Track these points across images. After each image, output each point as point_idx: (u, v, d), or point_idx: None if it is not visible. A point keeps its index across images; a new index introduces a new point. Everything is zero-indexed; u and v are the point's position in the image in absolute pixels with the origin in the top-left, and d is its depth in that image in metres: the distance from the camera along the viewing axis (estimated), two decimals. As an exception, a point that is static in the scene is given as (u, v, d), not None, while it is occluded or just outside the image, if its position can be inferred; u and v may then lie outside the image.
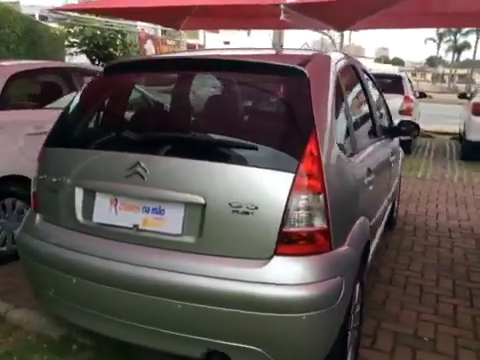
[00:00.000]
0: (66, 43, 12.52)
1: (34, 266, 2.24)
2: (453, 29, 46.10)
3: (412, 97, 9.25)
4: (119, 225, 2.03)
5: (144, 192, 1.97)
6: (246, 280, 1.80)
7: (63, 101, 4.45)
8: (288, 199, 1.80)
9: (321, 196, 1.84)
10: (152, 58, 2.61)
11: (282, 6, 8.16)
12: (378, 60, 66.43)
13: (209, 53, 2.52)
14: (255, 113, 2.19)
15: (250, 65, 2.15)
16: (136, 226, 1.99)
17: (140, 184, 1.96)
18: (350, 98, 2.57)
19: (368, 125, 2.94)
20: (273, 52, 2.62)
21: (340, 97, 2.30)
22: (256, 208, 1.81)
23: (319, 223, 1.85)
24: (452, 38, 50.75)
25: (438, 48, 56.59)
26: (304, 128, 1.90)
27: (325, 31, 11.07)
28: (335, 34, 11.63)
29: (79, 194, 2.12)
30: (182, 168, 1.93)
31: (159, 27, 14.92)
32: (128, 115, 2.43)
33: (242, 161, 1.87)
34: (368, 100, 3.05)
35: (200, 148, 1.95)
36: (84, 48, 12.49)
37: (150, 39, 16.80)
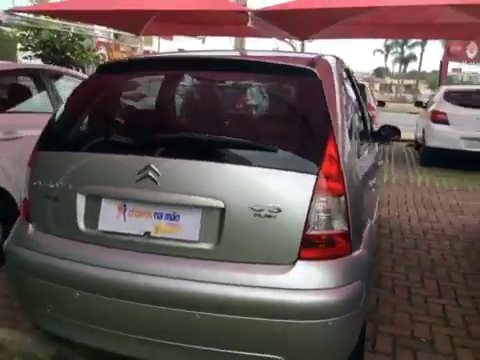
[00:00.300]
0: (20, 46, 11.94)
1: (26, 280, 2.06)
2: (400, 41, 48.33)
3: (374, 105, 9.54)
4: (128, 233, 1.91)
5: (157, 197, 1.86)
6: (269, 287, 1.74)
7: (34, 104, 4.25)
8: (311, 201, 1.76)
9: (342, 198, 1.81)
10: (157, 57, 2.50)
11: (250, 13, 8.24)
12: (329, 70, 68.23)
13: (211, 53, 2.43)
14: (271, 114, 2.13)
15: (261, 65, 2.10)
16: (147, 233, 1.88)
17: (152, 189, 1.85)
18: (350, 100, 2.58)
19: (362, 128, 2.97)
20: (272, 54, 2.57)
21: (345, 99, 2.29)
22: (279, 211, 1.75)
23: (340, 226, 1.82)
24: (399, 50, 53.16)
25: (385, 59, 59.08)
26: (322, 129, 1.86)
27: (287, 40, 11.26)
28: (297, 43, 11.83)
29: (81, 201, 1.97)
30: (199, 171, 1.84)
31: (112, 31, 14.60)
32: (134, 116, 2.31)
33: (262, 163, 1.81)
34: (360, 103, 3.09)
35: (218, 150, 1.87)
36: (40, 52, 11.95)
37: (102, 45, 16.40)
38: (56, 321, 2.05)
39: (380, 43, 52.93)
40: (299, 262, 1.76)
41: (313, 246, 1.78)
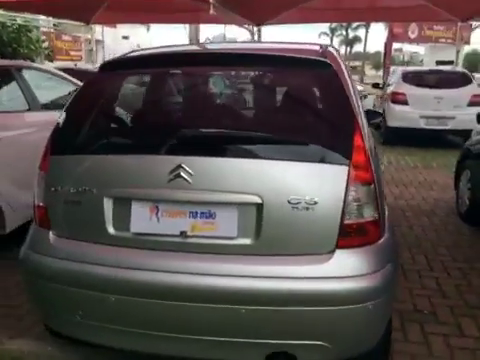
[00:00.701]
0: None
1: (51, 288, 2.00)
2: (344, 24, 49.35)
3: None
4: (163, 233, 1.89)
5: (191, 197, 1.84)
6: (311, 277, 1.79)
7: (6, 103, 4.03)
8: (346, 191, 1.81)
9: (372, 186, 1.88)
10: (173, 52, 2.40)
11: (212, 0, 8.16)
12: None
13: (221, 47, 2.40)
14: (296, 107, 2.14)
15: (278, 59, 2.10)
16: (183, 233, 1.86)
17: (185, 188, 1.83)
18: (356, 89, 2.64)
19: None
20: (279, 46, 2.56)
21: (354, 88, 2.35)
22: (315, 203, 1.79)
23: (372, 213, 1.88)
24: (344, 32, 54.27)
25: (331, 42, 60.14)
26: (347, 120, 1.91)
27: (246, 26, 11.24)
28: (254, 29, 11.83)
29: (108, 204, 1.92)
30: (232, 168, 1.84)
31: (51, 20, 13.98)
32: (157, 114, 2.24)
33: (295, 156, 1.84)
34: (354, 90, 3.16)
35: (250, 146, 1.87)
36: (-16, 45, 11.23)
37: (44, 35, 15.61)
38: (87, 327, 2.00)
39: (325, 26, 53.76)
40: (337, 251, 1.82)
41: (349, 235, 1.83)
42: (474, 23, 11.13)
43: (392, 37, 30.35)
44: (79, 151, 2.03)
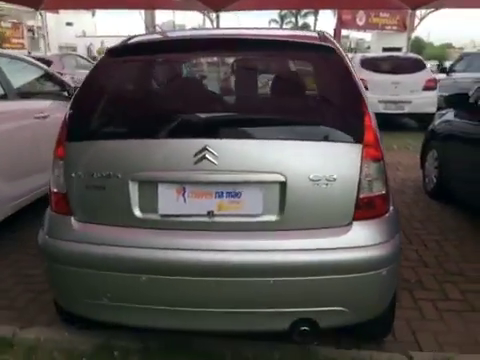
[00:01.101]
0: None
1: (77, 273, 2.02)
2: (294, 11, 49.83)
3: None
4: (190, 214, 1.96)
5: (217, 177, 1.92)
6: (333, 247, 1.93)
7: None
8: (360, 168, 1.96)
9: (381, 163, 2.04)
10: (187, 37, 2.42)
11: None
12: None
13: (229, 32, 2.44)
14: (311, 90, 2.26)
15: (289, 44, 2.21)
16: (210, 212, 1.95)
17: (211, 170, 1.91)
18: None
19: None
20: (284, 32, 2.63)
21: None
22: (335, 179, 1.93)
23: (381, 187, 2.04)
24: (293, 20, 54.83)
25: (281, 28, 60.57)
26: (357, 101, 2.06)
27: (205, 12, 11.24)
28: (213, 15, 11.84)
29: (134, 187, 1.97)
30: (256, 149, 1.94)
31: None
32: (177, 98, 2.26)
33: (315, 137, 1.96)
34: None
35: (272, 127, 1.98)
36: None
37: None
38: (115, 309, 2.05)
39: (275, 13, 54.02)
40: (354, 223, 1.97)
41: (364, 207, 1.99)
42: (424, 11, 11.69)
43: (341, 24, 31.14)
44: (100, 137, 2.05)
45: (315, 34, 2.52)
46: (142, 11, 14.58)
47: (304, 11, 49.16)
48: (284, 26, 58.42)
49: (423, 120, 8.84)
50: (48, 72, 4.89)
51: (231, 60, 2.44)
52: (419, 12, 11.83)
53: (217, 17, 12.01)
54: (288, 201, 1.93)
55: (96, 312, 2.10)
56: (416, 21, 12.00)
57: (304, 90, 2.32)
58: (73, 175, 2.03)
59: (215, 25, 11.81)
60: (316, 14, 47.97)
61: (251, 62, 2.39)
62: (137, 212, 1.98)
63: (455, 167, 4.49)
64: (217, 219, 1.96)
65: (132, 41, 2.36)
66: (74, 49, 34.00)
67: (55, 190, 2.12)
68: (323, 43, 2.22)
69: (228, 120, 2.04)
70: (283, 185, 1.92)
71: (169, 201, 1.96)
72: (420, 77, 9.24)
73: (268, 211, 1.95)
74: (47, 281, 2.32)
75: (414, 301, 2.91)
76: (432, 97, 9.10)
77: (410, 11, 12.15)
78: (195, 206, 1.96)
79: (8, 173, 3.62)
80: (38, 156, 4.03)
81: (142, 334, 2.37)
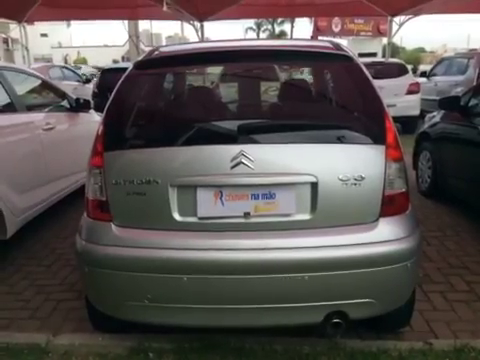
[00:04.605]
0: None
1: (118, 277, 2.10)
2: (270, 19, 50.44)
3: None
4: (228, 216, 2.07)
5: (253, 181, 2.04)
6: (363, 243, 2.06)
7: None
8: (385, 167, 2.10)
9: (402, 162, 2.19)
10: (213, 49, 2.53)
11: (166, -2, 8.23)
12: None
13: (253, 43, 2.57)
14: (336, 97, 2.40)
15: (310, 54, 2.35)
16: (247, 214, 2.06)
17: (247, 173, 2.03)
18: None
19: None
20: (294, 43, 2.78)
21: None
22: (362, 179, 2.06)
23: (403, 185, 2.19)
24: (270, 27, 55.50)
25: (258, 36, 61.19)
26: (377, 106, 2.21)
27: (191, 22, 11.38)
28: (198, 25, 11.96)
29: (173, 192, 2.07)
30: (289, 152, 2.06)
31: None
32: (211, 106, 2.37)
33: (342, 139, 2.10)
34: None
35: (304, 132, 2.11)
36: None
37: None
38: (155, 310, 2.13)
39: (251, 21, 54.49)
40: (381, 219, 2.11)
41: (389, 204, 2.13)
42: (402, 18, 12.07)
43: (317, 31, 31.70)
44: (137, 145, 2.15)
45: (329, 44, 2.67)
46: (126, 21, 14.65)
47: (280, 19, 49.85)
48: (261, 34, 58.99)
49: (407, 123, 9.17)
50: (49, 83, 4.93)
51: (256, 70, 2.56)
52: (398, 18, 12.20)
53: (201, 27, 12.19)
54: (319, 200, 2.06)
55: (137, 313, 2.18)
56: (395, 27, 12.36)
57: (327, 96, 2.47)
58: (113, 182, 2.11)
59: (200, 34, 11.98)
60: (292, 21, 48.72)
61: (275, 71, 2.52)
62: (176, 216, 2.08)
63: (448, 167, 4.70)
64: (253, 220, 2.07)
65: (158, 54, 2.47)
66: (49, 60, 33.68)
67: (93, 198, 2.19)
68: (341, 52, 2.37)
69: (261, 126, 2.16)
70: (314, 185, 2.05)
71: (207, 204, 2.07)
72: (403, 81, 9.55)
73: (301, 210, 2.07)
74: (85, 286, 2.38)
75: (424, 294, 3.06)
76: (415, 100, 9.43)
77: (389, 18, 12.51)
78: (232, 208, 2.06)
79: (19, 185, 3.65)
80: (45, 168, 4.08)
81: (175, 335, 2.46)
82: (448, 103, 4.62)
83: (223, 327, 2.22)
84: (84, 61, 44.53)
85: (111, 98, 2.32)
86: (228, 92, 2.56)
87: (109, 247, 2.11)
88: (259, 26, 57.64)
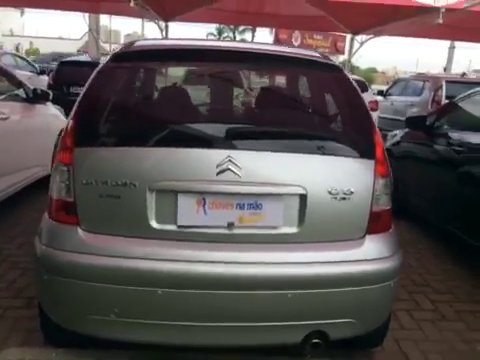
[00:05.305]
0: None
1: (84, 287, 1.89)
2: (231, 26, 50.68)
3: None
4: (210, 225, 1.92)
5: (240, 189, 1.90)
6: (350, 260, 1.98)
7: None
8: (374, 183, 2.04)
9: (389, 179, 2.14)
10: (200, 47, 2.35)
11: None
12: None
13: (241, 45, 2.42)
14: (326, 107, 2.31)
15: (297, 60, 2.25)
16: (231, 224, 1.92)
17: (234, 181, 1.89)
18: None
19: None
20: (279, 49, 2.66)
21: None
22: (352, 193, 1.99)
23: (388, 202, 2.14)
24: (231, 35, 55.71)
25: (219, 43, 61.10)
26: (366, 119, 2.16)
27: (156, 21, 11.13)
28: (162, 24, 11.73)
29: (151, 197, 1.89)
30: (279, 161, 1.95)
31: None
32: (198, 106, 2.20)
33: (334, 152, 2.01)
34: None
35: (294, 141, 2.00)
36: None
37: None
38: (122, 325, 1.93)
39: (213, 27, 54.51)
40: (368, 236, 2.04)
41: (376, 221, 2.07)
42: (364, 37, 12.40)
43: (278, 43, 32.21)
44: (114, 143, 1.95)
45: (316, 53, 2.60)
46: (86, 14, 14.08)
47: (242, 27, 50.19)
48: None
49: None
50: (4, 70, 4.57)
51: (247, 72, 2.44)
52: (359, 37, 12.53)
53: (166, 26, 11.97)
54: (308, 213, 1.96)
55: (101, 328, 1.97)
56: (356, 45, 12.67)
57: (317, 106, 2.39)
58: (84, 182, 1.91)
59: (164, 34, 11.75)
60: (254, 31, 49.16)
61: (266, 76, 2.41)
62: (154, 223, 1.90)
63: (410, 184, 4.79)
64: (237, 231, 1.93)
65: (138, 47, 2.28)
66: (0, 48, 32.06)
67: (58, 198, 1.97)
68: (332, 62, 2.29)
69: (251, 132, 2.03)
70: (303, 198, 1.95)
71: (189, 212, 1.91)
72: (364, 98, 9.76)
73: (288, 223, 1.96)
74: (40, 295, 2.14)
75: (392, 312, 3.04)
76: (374, 118, 9.66)
77: (351, 36, 12.82)
78: (215, 217, 1.92)
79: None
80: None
81: (133, 351, 2.26)
82: (415, 122, 4.71)
83: (196, 346, 2.05)
84: (36, 52, 42.67)
85: (85, 90, 2.11)
86: (214, 93, 2.42)
87: (74, 254, 1.90)
88: (220, 32, 57.80)
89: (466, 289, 3.46)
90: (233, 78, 2.47)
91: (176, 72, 2.43)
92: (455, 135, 4.23)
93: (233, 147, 1.91)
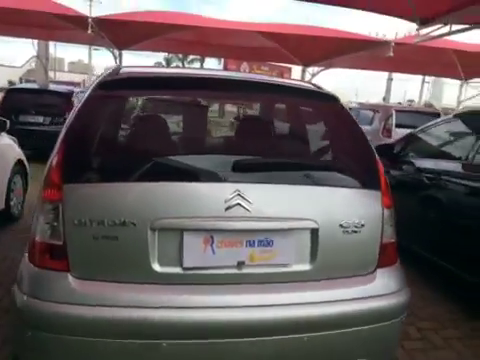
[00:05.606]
0: None
1: (75, 343, 1.66)
2: (180, 56, 51.09)
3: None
4: (219, 266, 1.76)
5: (250, 225, 1.77)
6: (364, 297, 1.89)
7: None
8: (382, 214, 1.98)
9: (392, 210, 2.09)
10: (198, 75, 2.21)
11: (89, 20, 7.79)
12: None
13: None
14: (329, 137, 2.23)
15: (295, 91, 2.19)
16: (241, 263, 1.77)
17: (244, 216, 1.76)
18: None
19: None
20: (280, 79, 2.56)
21: None
22: (363, 226, 1.91)
23: (394, 234, 2.08)
24: (180, 64, 56.05)
25: (167, 72, 61.25)
26: (369, 149, 2.11)
27: (111, 49, 10.97)
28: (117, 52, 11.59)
29: (153, 237, 1.71)
30: (289, 194, 1.84)
31: None
32: (201, 137, 2.03)
33: (343, 183, 1.94)
34: None
35: (304, 172, 1.91)
36: None
37: None
38: None
39: (161, 56, 54.64)
40: (378, 270, 1.96)
41: (385, 254, 2.00)
42: (316, 69, 12.85)
43: (228, 73, 32.69)
44: (109, 178, 1.76)
45: (310, 85, 2.55)
46: (35, 41, 13.54)
47: (191, 57, 50.68)
48: (169, 70, 59.02)
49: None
50: None
51: (248, 102, 2.34)
52: (311, 69, 12.97)
53: (120, 55, 11.83)
54: (320, 249, 1.85)
55: None
56: (308, 77, 13.07)
57: (322, 136, 2.32)
58: (76, 222, 1.70)
59: (118, 62, 11.58)
60: (202, 61, 49.73)
61: (265, 106, 2.32)
62: (156, 266, 1.72)
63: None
64: (247, 270, 1.79)
65: (127, 74, 2.12)
66: None
67: (43, 241, 1.74)
68: (330, 93, 2.25)
69: (259, 164, 1.90)
70: (315, 232, 1.84)
71: (196, 252, 1.74)
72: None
73: (300, 260, 1.84)
74: (21, 354, 1.85)
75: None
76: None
77: (302, 67, 13.24)
78: (224, 257, 1.77)
79: None
80: None
81: None
82: (383, 150, 4.81)
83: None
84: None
85: (71, 120, 1.91)
86: (214, 123, 2.29)
87: (64, 305, 1.66)
88: (168, 62, 58.04)
89: (446, 315, 3.48)
90: (235, 107, 2.37)
91: (170, 101, 2.28)
92: (419, 162, 4.42)
93: (241, 180, 1.78)
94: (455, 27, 5.95)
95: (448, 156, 4.24)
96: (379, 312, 1.90)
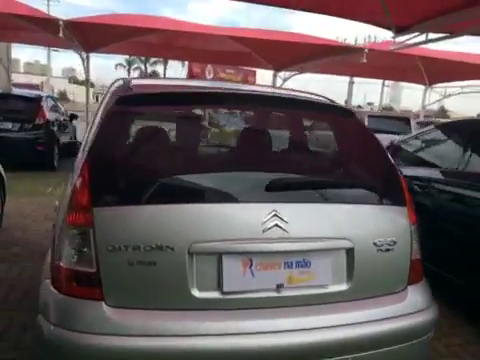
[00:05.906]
0: None
1: None
2: (142, 58, 50.36)
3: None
4: (258, 289, 1.70)
5: (288, 246, 1.73)
6: (398, 315, 1.87)
7: None
8: (411, 231, 1.98)
9: (416, 225, 2.09)
10: (219, 90, 2.11)
11: (61, 23, 7.53)
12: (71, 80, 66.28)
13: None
14: (355, 153, 2.20)
15: (314, 105, 2.17)
16: (280, 286, 1.72)
17: (282, 238, 1.71)
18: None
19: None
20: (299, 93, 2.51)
21: None
22: (395, 243, 1.90)
23: (419, 250, 2.08)
24: (142, 66, 55.22)
25: (128, 74, 60.42)
26: (391, 164, 2.11)
27: (79, 52, 10.68)
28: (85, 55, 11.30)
29: (191, 261, 1.64)
30: (324, 213, 1.81)
31: None
32: (229, 155, 1.95)
33: (374, 200, 1.92)
34: None
35: (337, 190, 1.88)
36: None
37: None
38: None
39: (122, 58, 53.76)
40: (409, 287, 1.96)
41: (414, 270, 2.00)
42: (288, 73, 12.94)
43: (191, 76, 32.56)
44: (145, 201, 1.66)
45: (322, 98, 2.53)
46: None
47: (153, 59, 50.02)
48: (131, 72, 58.42)
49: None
50: None
51: (273, 118, 2.28)
52: (282, 73, 13.05)
53: (87, 57, 11.50)
54: (356, 268, 1.83)
55: None
56: (279, 81, 13.16)
57: (348, 152, 2.29)
58: (110, 248, 1.60)
59: (85, 64, 11.28)
60: (165, 63, 49.24)
61: (290, 123, 2.28)
62: (195, 291, 1.64)
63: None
64: (286, 293, 1.74)
65: (147, 89, 2.03)
66: None
67: (70, 267, 1.63)
68: (346, 107, 2.24)
69: (294, 182, 1.86)
70: (351, 251, 1.82)
71: (235, 275, 1.68)
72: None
73: (337, 280, 1.81)
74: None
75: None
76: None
77: (273, 71, 13.31)
78: (264, 279, 1.71)
79: None
80: None
81: None
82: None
83: None
84: None
85: (93, 138, 1.80)
86: (244, 139, 2.21)
87: (99, 336, 1.56)
88: (130, 64, 57.11)
89: (442, 320, 3.52)
90: (259, 122, 2.31)
91: (193, 117, 2.20)
92: (405, 170, 4.52)
93: (277, 200, 1.74)
94: (431, 35, 6.11)
95: (432, 164, 4.37)
96: (412, 330, 1.89)
